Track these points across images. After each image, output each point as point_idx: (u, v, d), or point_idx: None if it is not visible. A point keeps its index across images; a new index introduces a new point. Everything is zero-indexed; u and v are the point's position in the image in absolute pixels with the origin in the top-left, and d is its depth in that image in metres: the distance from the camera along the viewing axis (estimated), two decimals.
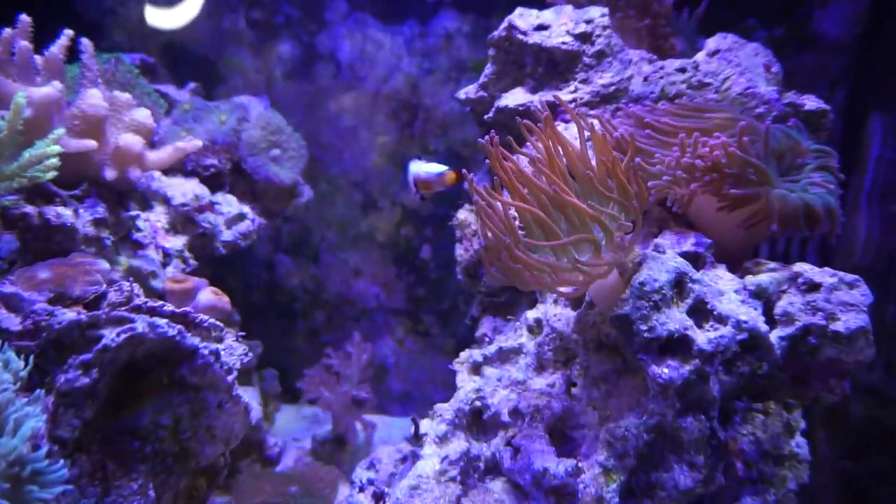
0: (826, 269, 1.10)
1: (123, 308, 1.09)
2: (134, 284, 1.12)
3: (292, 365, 2.24)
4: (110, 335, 0.94)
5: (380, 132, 2.25)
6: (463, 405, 1.34)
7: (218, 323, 1.17)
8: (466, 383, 1.39)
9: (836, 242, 1.58)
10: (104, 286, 1.14)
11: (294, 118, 2.26)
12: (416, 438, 1.36)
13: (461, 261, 1.59)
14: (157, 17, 2.19)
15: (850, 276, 1.08)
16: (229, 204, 1.71)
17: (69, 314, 0.98)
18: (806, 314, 1.08)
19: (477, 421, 1.36)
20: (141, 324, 0.96)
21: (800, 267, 1.13)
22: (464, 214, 1.61)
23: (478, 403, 1.34)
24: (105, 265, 1.15)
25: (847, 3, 1.78)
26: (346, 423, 2.02)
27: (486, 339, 1.52)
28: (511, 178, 1.09)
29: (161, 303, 1.13)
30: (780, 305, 1.11)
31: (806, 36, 1.82)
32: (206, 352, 1.01)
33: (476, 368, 1.42)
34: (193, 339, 1.01)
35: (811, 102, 1.28)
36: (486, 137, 1.09)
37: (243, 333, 1.22)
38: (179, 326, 0.99)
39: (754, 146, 1.18)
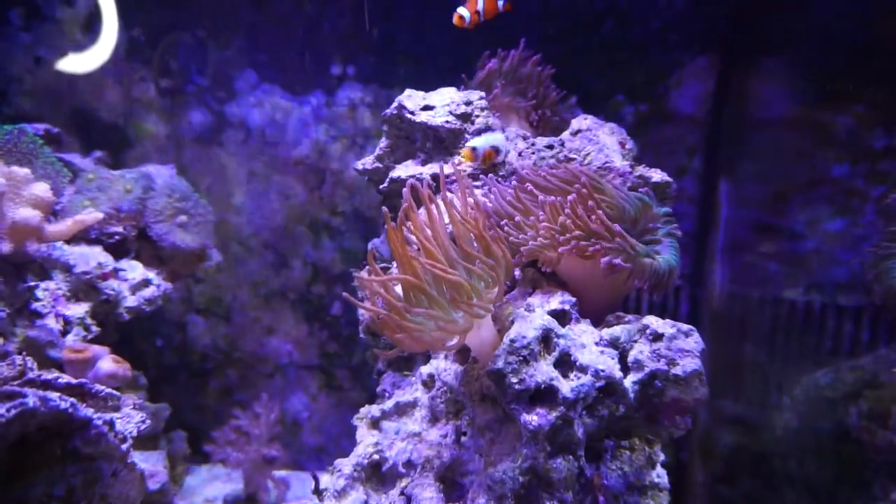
0: (668, 320, 1.27)
1: (16, 382, 1.11)
2: (28, 358, 1.15)
3: (205, 424, 2.23)
4: (0, 410, 0.97)
5: (289, 195, 2.35)
6: (361, 459, 1.42)
7: (114, 392, 1.21)
8: (366, 437, 1.47)
9: (697, 292, 1.77)
10: None
11: (205, 182, 2.33)
12: (317, 493, 1.41)
13: (363, 320, 1.69)
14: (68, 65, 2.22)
15: (685, 327, 1.26)
16: (134, 270, 1.75)
17: None
18: (652, 361, 1.24)
19: (376, 473, 1.44)
20: (32, 398, 0.99)
21: (648, 320, 1.29)
22: (364, 274, 1.71)
23: (376, 457, 1.42)
24: None
25: (696, 85, 2.06)
26: (258, 481, 2.04)
27: (386, 394, 1.61)
28: (399, 251, 1.22)
29: (56, 374, 1.16)
30: (633, 354, 1.27)
31: (665, 111, 2.09)
32: (99, 422, 1.06)
33: (375, 423, 1.50)
34: (87, 411, 1.05)
35: (657, 175, 1.48)
36: (384, 209, 1.24)
37: (140, 402, 1.26)
38: (72, 399, 1.03)
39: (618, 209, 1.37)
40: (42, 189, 1.41)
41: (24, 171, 1.41)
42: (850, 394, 1.55)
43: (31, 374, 1.11)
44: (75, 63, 2.22)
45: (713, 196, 1.99)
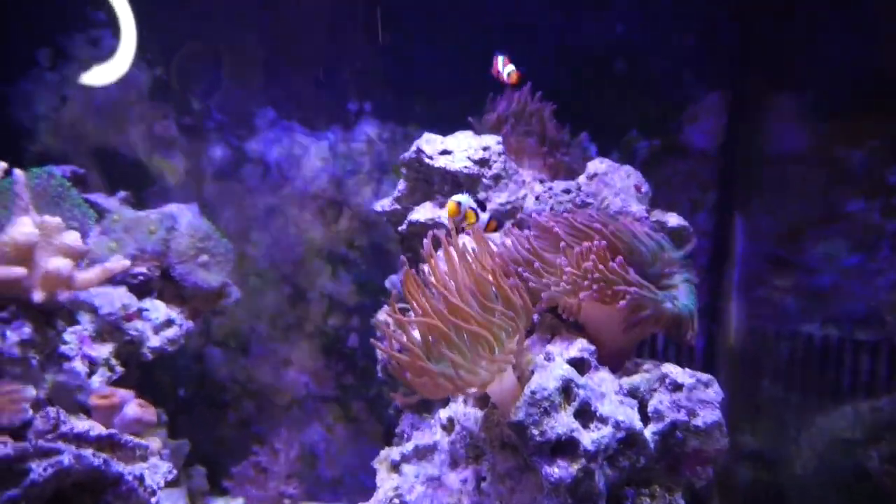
0: (687, 370, 1.28)
1: (50, 435, 1.14)
2: (60, 411, 1.18)
3: (223, 456, 2.26)
4: (38, 469, 1.00)
5: (307, 228, 2.39)
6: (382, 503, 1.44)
7: (142, 442, 1.23)
8: (385, 482, 1.49)
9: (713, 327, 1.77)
10: (30, 413, 1.18)
11: (224, 216, 2.37)
12: None
13: (381, 360, 1.71)
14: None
15: (705, 377, 1.26)
16: (157, 310, 1.78)
17: None
18: (672, 411, 1.25)
19: None
20: (67, 456, 1.02)
21: (667, 368, 1.30)
22: (383, 315, 1.73)
23: (396, 501, 1.44)
24: (31, 392, 1.20)
25: (710, 119, 2.09)
26: None
27: (405, 436, 1.62)
28: (418, 299, 1.24)
29: (88, 425, 1.19)
30: (652, 404, 1.28)
31: (679, 146, 2.11)
32: (130, 477, 1.08)
33: (395, 467, 1.52)
34: (118, 466, 1.08)
35: (674, 220, 1.49)
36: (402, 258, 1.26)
37: (166, 451, 1.28)
38: (105, 455, 1.06)
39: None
40: (73, 238, 1.44)
41: (55, 221, 1.44)
42: (871, 437, 1.55)
43: (63, 428, 1.14)
44: (93, 76, 2.27)
45: (728, 231, 2.00)
